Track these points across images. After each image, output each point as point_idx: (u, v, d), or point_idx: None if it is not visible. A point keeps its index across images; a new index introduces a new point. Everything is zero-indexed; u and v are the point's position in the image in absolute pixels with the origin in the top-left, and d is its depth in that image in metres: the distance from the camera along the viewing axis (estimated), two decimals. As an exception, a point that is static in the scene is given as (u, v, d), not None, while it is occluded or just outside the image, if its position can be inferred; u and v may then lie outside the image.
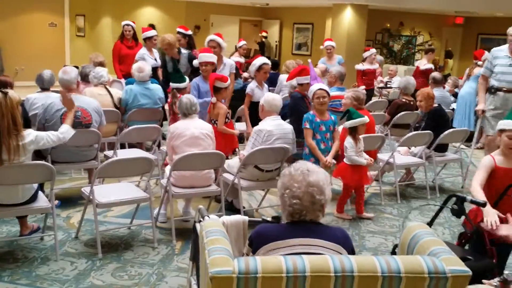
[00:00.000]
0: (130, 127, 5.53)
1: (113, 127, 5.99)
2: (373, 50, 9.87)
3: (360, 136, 4.96)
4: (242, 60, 9.45)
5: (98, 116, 4.99)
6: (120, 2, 15.94)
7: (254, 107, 5.76)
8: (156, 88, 6.34)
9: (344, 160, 4.93)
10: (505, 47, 5.94)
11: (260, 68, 6.34)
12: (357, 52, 13.01)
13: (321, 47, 9.59)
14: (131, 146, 6.20)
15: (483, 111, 6.09)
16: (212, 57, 5.91)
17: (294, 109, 5.43)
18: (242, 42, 9.81)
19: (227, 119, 5.34)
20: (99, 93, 5.99)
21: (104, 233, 4.35)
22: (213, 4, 15.64)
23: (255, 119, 5.49)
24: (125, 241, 4.28)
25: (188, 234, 4.31)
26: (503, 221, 3.24)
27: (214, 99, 5.24)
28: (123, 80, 7.59)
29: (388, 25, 15.69)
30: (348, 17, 12.66)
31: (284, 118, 5.09)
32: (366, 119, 4.95)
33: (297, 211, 2.17)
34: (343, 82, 7.05)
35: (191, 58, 6.87)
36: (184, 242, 4.26)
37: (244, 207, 4.79)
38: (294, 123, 5.15)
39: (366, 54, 9.69)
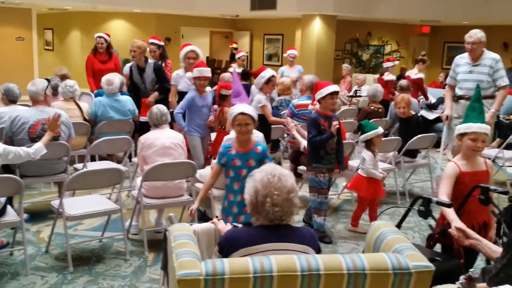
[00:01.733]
0: (100, 139, 5.48)
1: (83, 139, 5.93)
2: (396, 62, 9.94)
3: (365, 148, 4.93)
4: (240, 70, 9.59)
5: (67, 129, 4.94)
6: (89, 16, 15.83)
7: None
8: (126, 100, 6.31)
9: (360, 172, 4.90)
10: (466, 54, 5.84)
11: (269, 80, 5.97)
12: (327, 61, 13.22)
13: (284, 55, 9.71)
14: (102, 158, 6.14)
15: (447, 117, 5.98)
16: (208, 72, 5.63)
17: None
18: (241, 53, 10.46)
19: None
20: (68, 107, 5.93)
21: (75, 247, 4.29)
22: (184, 16, 15.67)
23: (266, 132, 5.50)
24: (96, 254, 4.22)
25: (160, 245, 4.27)
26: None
27: (216, 106, 5.93)
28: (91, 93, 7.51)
29: (357, 35, 15.95)
30: (317, 28, 12.84)
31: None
32: (379, 130, 4.86)
33: (277, 217, 2.15)
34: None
35: (157, 68, 6.69)
36: (157, 253, 4.23)
37: (217, 216, 4.77)
38: None
39: (388, 65, 9.69)
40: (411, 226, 5.07)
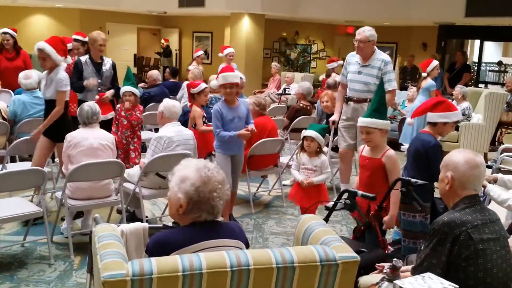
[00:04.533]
0: (20, 139, 5.21)
1: (2, 139, 5.64)
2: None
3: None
4: (201, 68, 9.53)
5: None
6: (7, 10, 15.01)
7: None
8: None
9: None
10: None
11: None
12: (256, 59, 13.33)
13: (220, 54, 9.68)
14: (23, 159, 5.85)
15: (333, 122, 5.55)
16: (235, 77, 4.73)
17: None
18: (200, 52, 10.29)
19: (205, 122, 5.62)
20: (-18, 106, 5.62)
21: (-6, 253, 4.06)
22: (109, 12, 15.22)
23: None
24: (18, 259, 4.02)
25: (87, 248, 4.13)
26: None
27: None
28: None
29: (285, 34, 16.19)
30: (246, 26, 12.91)
31: (184, 124, 5.08)
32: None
33: (219, 211, 2.12)
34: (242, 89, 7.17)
35: (114, 66, 6.01)
36: (83, 256, 4.08)
37: (147, 217, 4.70)
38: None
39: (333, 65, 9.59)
40: (338, 220, 5.22)
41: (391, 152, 3.67)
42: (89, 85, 5.61)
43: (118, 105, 5.76)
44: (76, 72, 5.72)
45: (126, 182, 4.62)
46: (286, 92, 10.90)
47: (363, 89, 5.25)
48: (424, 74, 7.60)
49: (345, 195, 3.55)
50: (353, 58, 5.42)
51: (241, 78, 5.50)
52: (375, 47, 5.27)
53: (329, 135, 5.69)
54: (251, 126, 4.67)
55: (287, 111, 7.93)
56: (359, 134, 4.96)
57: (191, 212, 2.11)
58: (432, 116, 3.71)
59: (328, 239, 1.87)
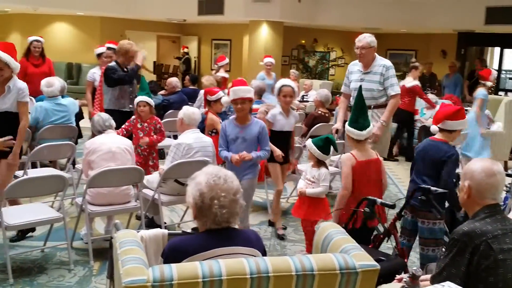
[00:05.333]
0: (41, 145, 5.29)
1: (23, 145, 5.70)
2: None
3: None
4: (227, 75, 9.80)
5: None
6: (31, 19, 15.30)
7: (276, 136, 4.88)
8: (70, 103, 6.13)
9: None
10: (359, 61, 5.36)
11: (279, 91, 4.96)
12: (274, 67, 13.34)
13: (261, 63, 9.80)
14: (44, 165, 5.93)
15: (337, 130, 5.49)
16: (247, 91, 4.31)
17: None
18: (226, 60, 10.36)
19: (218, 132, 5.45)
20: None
21: (15, 257, 4.12)
22: (129, 20, 15.42)
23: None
24: (38, 264, 4.07)
25: (107, 254, 4.17)
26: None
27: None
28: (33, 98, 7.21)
29: (303, 41, 16.19)
30: (264, 34, 12.95)
31: (201, 131, 5.10)
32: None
33: (225, 220, 2.12)
34: (262, 96, 7.22)
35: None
36: (103, 262, 4.12)
37: (165, 223, 4.72)
38: None
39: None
40: (357, 228, 5.17)
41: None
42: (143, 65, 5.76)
43: (133, 117, 5.50)
44: (107, 80, 5.87)
45: (145, 188, 4.66)
46: (305, 99, 10.89)
47: (367, 96, 5.03)
48: (489, 83, 7.45)
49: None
50: (354, 66, 5.41)
51: (291, 87, 4.93)
52: (375, 53, 5.25)
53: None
54: (244, 154, 4.19)
55: (305, 118, 7.93)
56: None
57: (198, 217, 2.16)
58: (452, 124, 3.70)
59: (348, 247, 1.86)
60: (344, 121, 5.19)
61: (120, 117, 5.52)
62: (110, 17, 14.85)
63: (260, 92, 7.11)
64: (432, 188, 3.47)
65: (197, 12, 13.44)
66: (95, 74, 6.90)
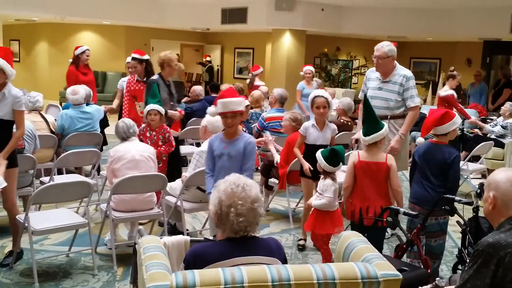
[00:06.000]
0: (67, 152, 5.39)
1: (50, 152, 5.83)
2: None
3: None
4: (263, 83, 9.95)
5: (31, 140, 4.85)
6: (57, 27, 15.62)
7: (309, 150, 4.71)
8: (94, 111, 6.24)
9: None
10: None
11: (312, 102, 4.70)
12: (297, 75, 13.32)
13: (301, 73, 9.79)
14: (69, 172, 6.04)
15: (357, 140, 5.22)
16: (238, 104, 3.84)
17: None
18: (260, 69, 10.58)
19: None
20: (34, 120, 5.82)
21: (41, 262, 4.20)
22: (153, 29, 15.62)
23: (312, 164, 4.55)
24: (63, 269, 4.14)
25: (130, 259, 4.22)
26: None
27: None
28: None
29: (326, 49, 16.18)
30: (287, 42, 12.98)
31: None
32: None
33: (242, 228, 2.13)
34: (284, 104, 7.21)
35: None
36: (126, 267, 4.16)
37: (187, 230, 4.76)
38: None
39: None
40: (379, 238, 5.13)
41: (390, 155, 3.97)
42: (174, 116, 5.60)
43: (143, 125, 5.34)
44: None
45: (168, 195, 4.71)
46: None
47: (383, 105, 4.99)
48: None
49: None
50: (373, 73, 5.20)
51: (325, 98, 4.67)
52: (395, 62, 5.06)
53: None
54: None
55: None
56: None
57: (218, 225, 2.18)
58: (443, 128, 3.86)
59: (370, 256, 1.86)
60: None
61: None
62: (135, 26, 15.07)
63: (281, 100, 7.11)
64: (457, 198, 3.44)
65: (221, 21, 13.55)
66: (124, 82, 6.81)
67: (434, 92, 12.44)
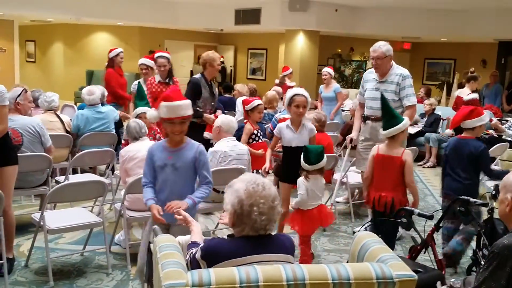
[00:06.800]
0: (82, 152, 5.44)
1: (65, 152, 5.89)
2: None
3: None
4: (294, 84, 9.80)
5: (34, 137, 4.85)
6: (72, 28, 15.78)
7: (285, 152, 4.58)
8: (109, 111, 6.29)
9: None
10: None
11: (291, 100, 4.47)
12: (310, 76, 13.35)
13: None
14: (84, 171, 6.09)
15: (351, 140, 5.27)
16: (185, 108, 3.30)
17: None
18: (290, 70, 10.43)
19: (254, 140, 5.50)
20: (50, 120, 5.89)
21: (56, 260, 4.23)
22: (167, 30, 15.71)
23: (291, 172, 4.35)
24: (77, 268, 4.17)
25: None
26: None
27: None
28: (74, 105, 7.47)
29: (339, 50, 16.14)
30: (300, 43, 12.98)
31: (238, 140, 5.14)
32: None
33: (263, 227, 2.14)
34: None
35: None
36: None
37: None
38: None
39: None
40: (393, 239, 5.10)
41: (408, 151, 4.12)
42: (208, 120, 5.50)
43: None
44: (194, 93, 5.49)
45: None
46: (340, 108, 10.81)
47: (380, 106, 4.83)
48: None
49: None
50: (370, 75, 5.14)
51: (305, 97, 4.46)
52: (392, 61, 4.98)
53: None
54: (173, 204, 3.09)
55: (341, 127, 7.89)
56: None
57: (236, 224, 2.17)
58: (470, 123, 4.19)
59: (385, 256, 1.85)
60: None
61: (200, 128, 5.50)
62: (149, 27, 15.17)
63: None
64: (471, 199, 3.42)
65: (234, 22, 13.59)
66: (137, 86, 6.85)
67: (448, 93, 12.36)
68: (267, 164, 4.62)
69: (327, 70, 9.18)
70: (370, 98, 5.01)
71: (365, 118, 5.13)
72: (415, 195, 4.00)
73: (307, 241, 4.21)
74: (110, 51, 7.79)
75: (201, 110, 5.55)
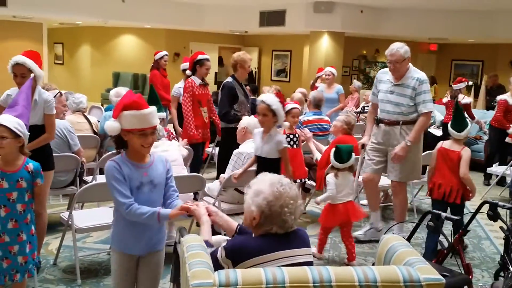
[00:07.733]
0: (110, 152, 5.52)
1: (92, 152, 5.98)
2: None
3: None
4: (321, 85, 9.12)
5: (62, 140, 4.93)
6: (99, 31, 16.03)
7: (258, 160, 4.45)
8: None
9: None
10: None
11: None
12: (335, 78, 13.27)
13: (319, 74, 9.51)
14: (111, 171, 6.16)
15: (363, 146, 5.09)
16: (155, 116, 2.76)
17: None
18: (323, 71, 9.50)
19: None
20: (78, 121, 6.00)
21: (83, 259, 4.31)
22: (193, 32, 15.84)
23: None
24: (104, 266, 4.23)
25: (170, 258, 4.27)
26: None
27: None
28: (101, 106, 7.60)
29: (365, 52, 16.04)
30: (325, 44, 12.93)
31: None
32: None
33: (291, 225, 2.21)
34: (320, 107, 7.15)
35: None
36: (166, 266, 4.21)
37: (224, 231, 4.79)
38: None
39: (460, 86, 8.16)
40: (419, 242, 5.06)
41: (467, 148, 4.52)
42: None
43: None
44: (231, 98, 5.46)
45: (206, 196, 4.76)
46: (365, 110, 10.75)
47: (395, 110, 4.73)
48: None
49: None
50: (384, 75, 4.91)
51: (266, 105, 4.18)
52: (409, 64, 4.76)
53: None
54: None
55: (365, 130, 7.83)
56: (389, 158, 4.80)
57: (263, 225, 2.20)
58: None
59: (412, 260, 1.84)
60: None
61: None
62: (175, 29, 15.32)
63: (316, 103, 6.90)
64: (500, 203, 3.37)
65: (259, 24, 13.62)
66: (180, 89, 6.73)
67: (476, 95, 12.16)
68: (237, 172, 4.44)
69: (330, 70, 8.64)
70: (384, 101, 4.82)
71: (378, 121, 4.92)
72: (470, 186, 4.41)
73: (324, 233, 4.61)
74: (156, 53, 8.04)
75: (240, 113, 5.50)
